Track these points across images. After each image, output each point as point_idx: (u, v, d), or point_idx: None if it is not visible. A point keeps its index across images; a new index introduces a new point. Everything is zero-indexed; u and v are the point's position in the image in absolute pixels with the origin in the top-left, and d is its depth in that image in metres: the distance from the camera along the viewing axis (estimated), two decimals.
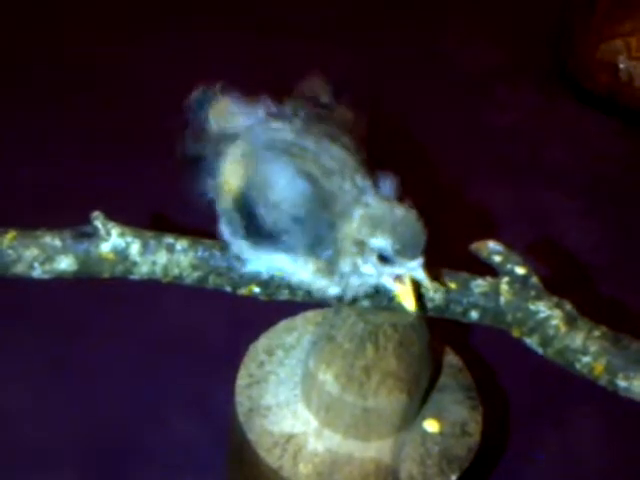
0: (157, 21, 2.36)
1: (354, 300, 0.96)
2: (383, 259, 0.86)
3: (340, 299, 0.94)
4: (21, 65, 2.16)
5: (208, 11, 2.43)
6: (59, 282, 1.33)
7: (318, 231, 0.86)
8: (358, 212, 0.85)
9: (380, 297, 0.98)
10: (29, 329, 1.55)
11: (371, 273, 0.87)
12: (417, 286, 0.90)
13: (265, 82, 0.97)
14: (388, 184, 0.88)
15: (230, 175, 0.89)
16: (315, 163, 0.86)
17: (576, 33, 2.35)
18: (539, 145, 2.22)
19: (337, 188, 0.86)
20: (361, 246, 0.86)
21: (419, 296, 0.94)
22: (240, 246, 0.92)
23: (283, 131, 0.90)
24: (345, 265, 0.87)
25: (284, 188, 0.86)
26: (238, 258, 0.95)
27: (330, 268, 0.88)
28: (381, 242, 0.85)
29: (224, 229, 0.93)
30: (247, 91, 0.96)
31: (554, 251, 1.78)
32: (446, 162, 2.02)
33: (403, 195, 0.88)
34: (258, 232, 0.88)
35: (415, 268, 0.85)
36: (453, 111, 2.24)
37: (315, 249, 0.87)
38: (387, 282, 0.88)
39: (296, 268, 0.90)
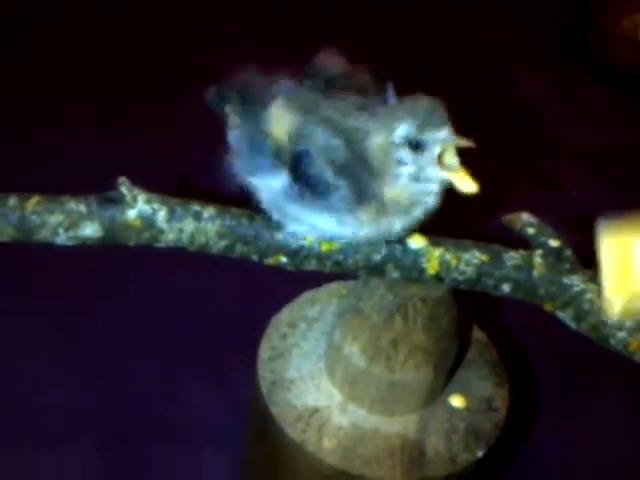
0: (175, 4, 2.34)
1: (381, 267, 0.94)
2: (414, 146, 0.83)
3: (406, 231, 0.92)
4: (43, 38, 2.14)
5: None
6: (80, 254, 1.33)
7: (358, 171, 0.84)
8: (373, 125, 0.85)
9: (410, 269, 0.96)
10: (47, 302, 1.54)
11: (414, 171, 0.84)
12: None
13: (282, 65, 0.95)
14: (392, 97, 0.88)
15: (278, 119, 0.87)
16: (332, 110, 0.86)
17: (597, 8, 2.32)
18: (559, 122, 2.19)
19: (356, 121, 0.85)
20: (389, 149, 0.84)
21: None
22: (282, 207, 0.90)
23: (302, 92, 0.89)
24: (388, 186, 0.85)
25: (322, 142, 0.84)
26: (266, 226, 0.93)
27: (382, 207, 0.86)
28: (402, 128, 0.83)
29: (263, 193, 0.91)
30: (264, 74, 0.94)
31: (580, 229, 1.76)
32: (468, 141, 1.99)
33: None
34: (304, 177, 0.86)
35: (447, 137, 0.83)
36: (472, 89, 2.22)
37: (361, 201, 0.85)
38: (436, 174, 0.85)
39: (347, 228, 0.88)
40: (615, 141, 2.14)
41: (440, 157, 0.84)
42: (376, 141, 0.85)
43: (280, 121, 0.87)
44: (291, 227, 0.92)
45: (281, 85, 0.90)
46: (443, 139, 0.83)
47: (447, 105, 0.84)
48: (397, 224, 0.89)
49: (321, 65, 0.93)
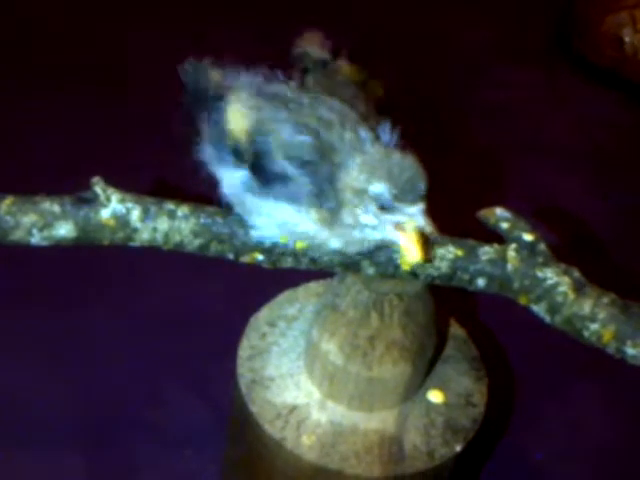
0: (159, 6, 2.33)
1: (357, 263, 0.95)
2: (382, 207, 0.84)
3: (342, 254, 0.93)
4: (24, 44, 2.14)
5: None
6: (61, 260, 1.33)
7: (319, 181, 0.85)
8: (356, 161, 0.85)
9: (386, 265, 0.97)
10: (29, 306, 1.54)
11: (372, 223, 0.86)
12: (423, 236, 0.87)
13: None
14: (388, 133, 0.87)
15: (235, 117, 0.88)
16: (312, 116, 0.86)
17: (581, 6, 2.33)
18: (543, 120, 2.20)
19: (337, 139, 0.85)
20: (360, 195, 0.85)
21: (427, 247, 0.91)
22: (243, 199, 0.91)
23: (280, 89, 0.90)
24: (347, 216, 0.86)
25: (286, 138, 0.85)
26: (241, 223, 0.93)
27: (332, 218, 0.87)
28: (378, 188, 0.83)
29: (226, 185, 0.92)
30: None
31: (559, 223, 1.77)
32: (449, 139, 2.00)
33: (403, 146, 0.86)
34: (264, 174, 0.87)
35: (415, 214, 0.84)
36: (457, 86, 2.23)
37: (318, 199, 0.86)
38: (389, 232, 0.86)
39: (299, 218, 0.88)
40: (598, 137, 2.15)
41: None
42: (350, 181, 0.85)
43: (238, 120, 0.87)
44: (251, 220, 0.92)
45: (243, 80, 0.91)
46: (411, 214, 0.84)
47: (430, 177, 0.84)
48: (334, 244, 0.90)
49: (304, 51, 0.94)
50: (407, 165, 0.84)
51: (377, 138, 0.87)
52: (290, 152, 0.85)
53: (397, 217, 0.85)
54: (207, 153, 0.91)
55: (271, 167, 0.86)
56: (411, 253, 0.86)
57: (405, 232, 0.85)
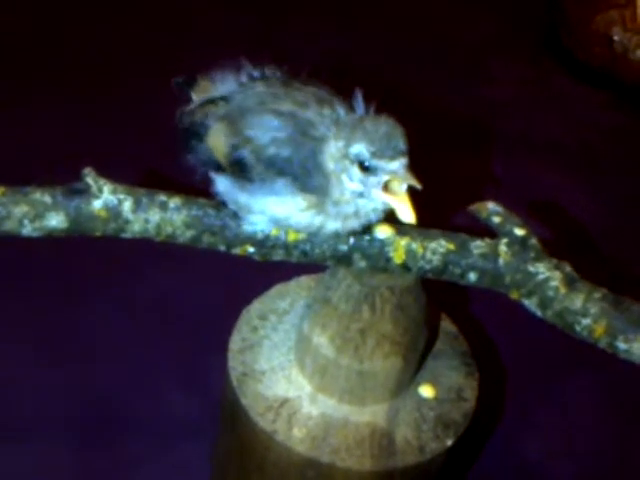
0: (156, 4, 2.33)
1: (348, 256, 0.95)
2: (364, 168, 0.84)
3: (339, 236, 0.94)
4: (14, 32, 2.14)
5: None
6: (55, 254, 1.32)
7: (304, 163, 0.86)
8: (333, 131, 0.86)
9: (377, 258, 0.97)
10: (23, 301, 1.53)
11: (359, 189, 0.86)
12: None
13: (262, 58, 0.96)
14: (362, 106, 0.88)
15: (216, 137, 0.90)
16: (288, 100, 0.87)
17: (571, 4, 2.33)
18: (532, 118, 2.21)
19: (315, 114, 0.86)
20: (342, 161, 0.85)
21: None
22: (236, 199, 0.92)
23: (257, 87, 0.91)
24: (335, 191, 0.86)
25: (264, 134, 0.87)
26: (233, 216, 0.93)
27: (322, 200, 0.87)
28: (357, 148, 0.84)
29: (218, 187, 0.93)
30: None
31: (549, 218, 1.77)
32: (439, 135, 2.00)
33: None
34: (249, 180, 0.88)
35: (397, 170, 0.84)
36: (446, 84, 2.23)
37: (306, 184, 0.87)
38: (378, 196, 0.86)
39: (289, 210, 0.89)
40: (588, 136, 2.16)
41: (388, 183, 0.85)
42: (330, 150, 0.86)
43: (218, 147, 0.90)
44: (246, 217, 0.93)
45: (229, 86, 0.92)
46: (392, 170, 0.84)
47: (408, 132, 0.85)
48: (330, 226, 0.90)
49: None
50: (382, 123, 0.85)
51: (351, 110, 0.88)
52: (267, 154, 0.86)
53: (380, 177, 0.85)
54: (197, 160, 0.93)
55: (251, 176, 0.88)
56: (404, 214, 0.85)
57: (396, 195, 0.85)
